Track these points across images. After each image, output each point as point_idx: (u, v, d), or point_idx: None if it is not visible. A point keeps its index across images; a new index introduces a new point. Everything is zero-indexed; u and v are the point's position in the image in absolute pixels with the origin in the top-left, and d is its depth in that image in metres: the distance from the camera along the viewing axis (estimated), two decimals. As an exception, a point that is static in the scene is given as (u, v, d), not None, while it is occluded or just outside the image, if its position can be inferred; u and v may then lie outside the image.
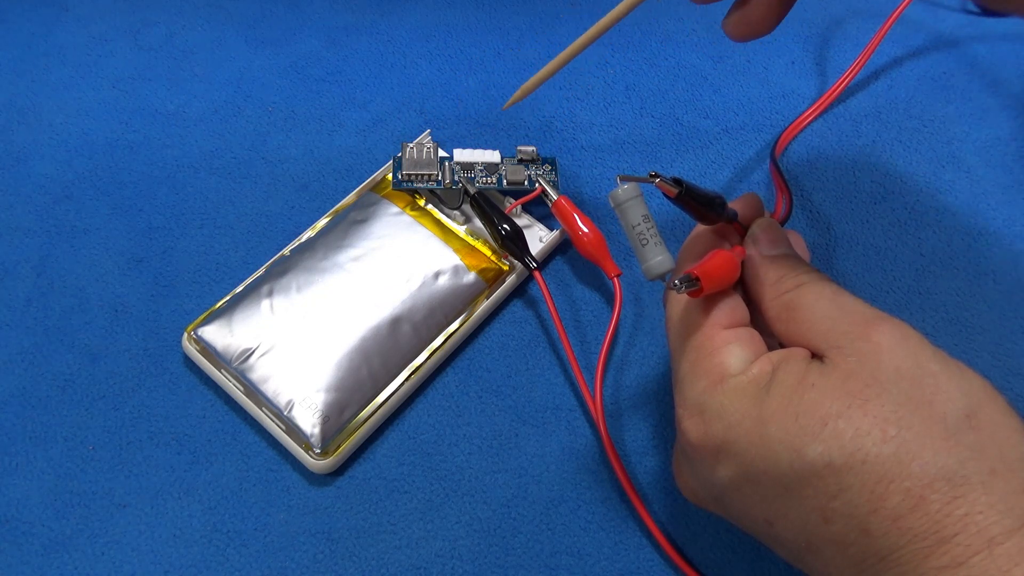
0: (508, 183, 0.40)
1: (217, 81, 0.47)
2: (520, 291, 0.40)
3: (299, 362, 0.35)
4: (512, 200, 0.41)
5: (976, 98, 0.47)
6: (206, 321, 0.36)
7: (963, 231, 0.42)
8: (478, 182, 0.40)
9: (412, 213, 0.40)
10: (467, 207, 0.41)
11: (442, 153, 0.41)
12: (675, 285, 0.26)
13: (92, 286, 0.39)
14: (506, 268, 0.39)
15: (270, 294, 0.37)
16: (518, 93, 0.37)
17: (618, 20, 0.33)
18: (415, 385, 0.36)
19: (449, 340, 0.37)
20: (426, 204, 0.41)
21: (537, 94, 0.46)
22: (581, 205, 0.39)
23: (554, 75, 0.36)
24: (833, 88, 0.46)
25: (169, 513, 0.34)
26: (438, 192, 0.41)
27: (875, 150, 0.45)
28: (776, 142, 0.43)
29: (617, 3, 0.32)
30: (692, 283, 0.26)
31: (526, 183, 0.40)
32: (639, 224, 0.27)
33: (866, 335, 0.25)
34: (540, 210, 0.41)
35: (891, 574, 0.23)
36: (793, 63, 0.48)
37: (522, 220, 0.41)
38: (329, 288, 0.37)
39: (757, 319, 0.29)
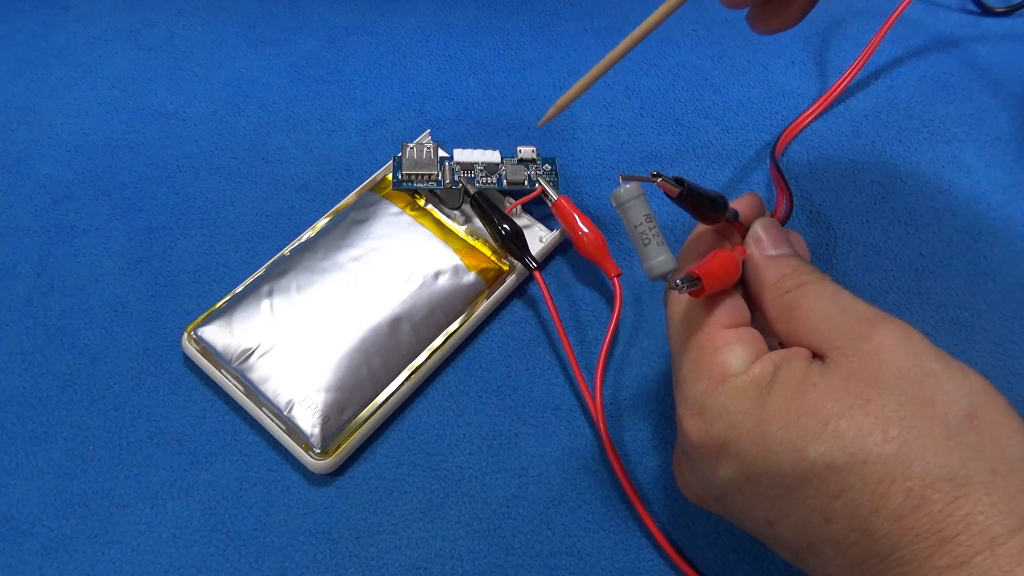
0: (508, 183, 0.40)
1: (217, 81, 0.47)
2: (520, 291, 0.40)
3: (299, 362, 0.35)
4: (512, 200, 0.40)
5: (976, 98, 0.47)
6: (206, 321, 0.36)
7: (963, 231, 0.42)
8: (478, 182, 0.40)
9: (412, 213, 0.40)
10: (467, 207, 0.40)
11: (442, 153, 0.41)
12: (676, 285, 0.26)
13: (92, 286, 0.39)
14: (506, 268, 0.39)
15: (270, 294, 0.37)
16: (552, 110, 0.37)
17: (654, 28, 0.32)
18: (415, 385, 0.36)
19: (449, 340, 0.37)
20: (426, 204, 0.41)
21: (538, 94, 0.46)
22: (581, 205, 0.39)
23: (589, 87, 0.35)
24: (833, 88, 0.46)
25: (169, 513, 0.34)
26: (438, 192, 0.41)
27: (875, 150, 0.45)
28: (776, 142, 0.43)
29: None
30: (693, 283, 0.26)
31: (526, 183, 0.40)
32: (641, 223, 0.27)
33: (867, 335, 0.25)
34: (540, 210, 0.41)
35: (893, 574, 0.23)
36: (793, 63, 0.48)
37: (522, 220, 0.41)
38: (329, 288, 0.37)
39: (758, 319, 0.29)
